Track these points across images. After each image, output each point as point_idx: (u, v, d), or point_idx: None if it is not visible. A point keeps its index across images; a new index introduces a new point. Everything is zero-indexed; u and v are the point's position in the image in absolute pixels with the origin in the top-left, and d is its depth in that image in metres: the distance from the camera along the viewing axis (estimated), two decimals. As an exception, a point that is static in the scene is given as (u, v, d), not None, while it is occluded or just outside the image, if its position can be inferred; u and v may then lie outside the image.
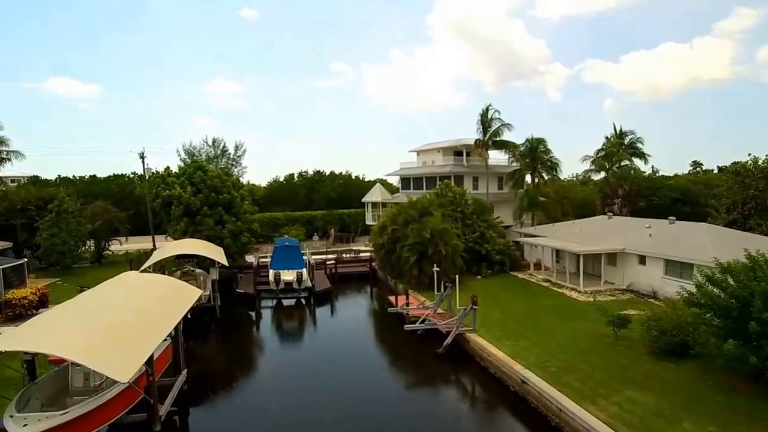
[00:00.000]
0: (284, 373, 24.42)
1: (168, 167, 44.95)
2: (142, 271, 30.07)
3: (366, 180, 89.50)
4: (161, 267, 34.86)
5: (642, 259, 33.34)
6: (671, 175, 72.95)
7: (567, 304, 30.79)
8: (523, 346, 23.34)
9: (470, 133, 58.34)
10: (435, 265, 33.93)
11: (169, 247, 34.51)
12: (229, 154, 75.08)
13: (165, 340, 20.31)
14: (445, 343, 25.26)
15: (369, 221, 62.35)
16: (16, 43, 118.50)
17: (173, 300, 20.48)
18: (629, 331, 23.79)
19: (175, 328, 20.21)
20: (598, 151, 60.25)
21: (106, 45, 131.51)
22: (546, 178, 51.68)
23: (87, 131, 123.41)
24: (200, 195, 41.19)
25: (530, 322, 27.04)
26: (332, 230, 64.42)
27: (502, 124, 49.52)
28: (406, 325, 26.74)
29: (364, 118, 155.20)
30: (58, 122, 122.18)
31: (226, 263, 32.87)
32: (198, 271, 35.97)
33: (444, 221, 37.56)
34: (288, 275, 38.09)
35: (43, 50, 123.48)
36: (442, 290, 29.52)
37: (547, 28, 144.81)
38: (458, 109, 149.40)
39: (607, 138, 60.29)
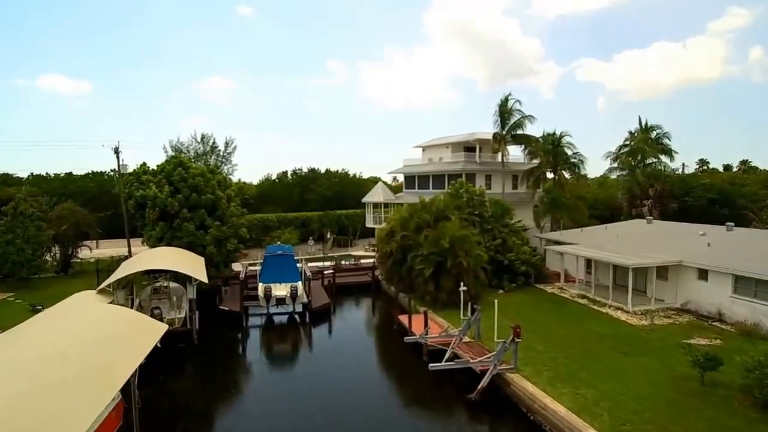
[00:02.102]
0: (276, 425, 18.89)
1: (144, 163, 39.17)
2: (99, 291, 24.47)
3: (363, 178, 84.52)
4: (129, 282, 29.16)
5: (703, 274, 28.01)
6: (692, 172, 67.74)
7: (620, 331, 25.37)
8: (588, 396, 17.87)
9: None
10: (456, 280, 28.63)
11: (136, 261, 28.89)
12: (219, 150, 70.63)
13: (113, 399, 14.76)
14: (479, 387, 19.80)
15: (369, 223, 56.72)
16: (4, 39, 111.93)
17: (126, 343, 14.92)
18: (717, 372, 18.50)
19: (128, 382, 14.81)
20: (621, 147, 55.14)
21: (97, 41, 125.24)
22: (568, 176, 46.40)
23: (77, 130, 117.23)
24: (179, 195, 35.49)
25: (585, 358, 21.61)
26: (330, 233, 58.63)
27: (523, 116, 44.14)
28: (431, 365, 21.14)
29: (359, 117, 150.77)
30: (44, 120, 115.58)
31: (205, 280, 27.14)
32: (173, 286, 30.37)
33: (462, 227, 32.14)
34: (280, 290, 32.48)
35: (33, 46, 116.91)
36: (469, 313, 23.99)
37: (542, 26, 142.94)
38: (453, 106, 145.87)
39: (630, 133, 55.22)
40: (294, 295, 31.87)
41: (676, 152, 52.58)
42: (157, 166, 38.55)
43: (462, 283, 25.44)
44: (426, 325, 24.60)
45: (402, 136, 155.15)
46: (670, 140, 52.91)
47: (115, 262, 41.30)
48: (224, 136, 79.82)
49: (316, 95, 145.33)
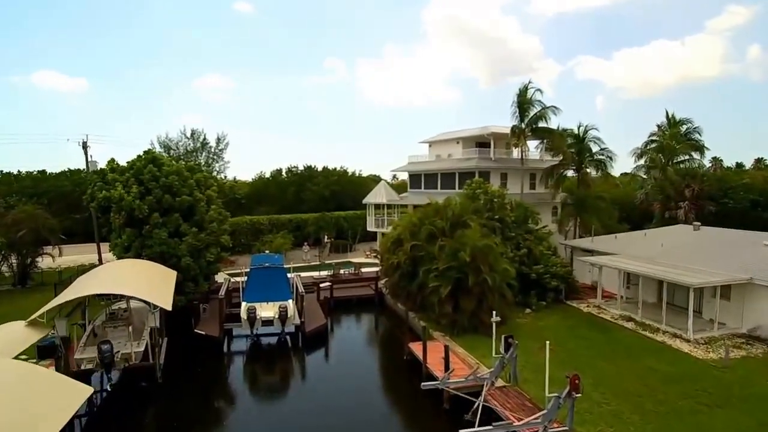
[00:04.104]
0: None
1: (112, 160, 33.85)
2: (30, 323, 19.28)
3: (363, 176, 79.68)
4: (80, 304, 23.96)
5: (779, 294, 23.03)
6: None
7: (689, 369, 20.30)
8: (687, 484, 12.83)
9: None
10: (479, 300, 23.72)
11: (85, 281, 23.52)
12: (210, 147, 66.31)
13: None
14: (525, 457, 14.74)
15: (371, 227, 51.49)
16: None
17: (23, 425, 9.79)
18: None
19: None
20: (647, 143, 49.94)
21: (95, 39, 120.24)
22: (595, 174, 41.47)
23: (73, 128, 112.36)
24: (150, 197, 30.25)
25: (658, 412, 16.59)
26: (328, 238, 53.15)
27: (544, 107, 38.91)
28: None
29: (358, 115, 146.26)
30: (38, 117, 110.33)
31: (168, 306, 21.76)
32: (136, 306, 25.04)
33: (483, 234, 27.03)
34: (267, 310, 27.36)
35: (28, 43, 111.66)
36: (502, 348, 18.76)
37: (541, 24, 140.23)
38: (452, 104, 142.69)
39: (658, 127, 50.05)
40: (283, 316, 26.68)
41: (707, 148, 47.47)
42: (127, 162, 33.29)
43: (494, 313, 20.20)
44: (447, 367, 19.32)
45: (401, 135, 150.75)
46: (701, 135, 47.78)
47: (84, 271, 36.10)
48: (216, 132, 74.95)
49: (314, 93, 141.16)
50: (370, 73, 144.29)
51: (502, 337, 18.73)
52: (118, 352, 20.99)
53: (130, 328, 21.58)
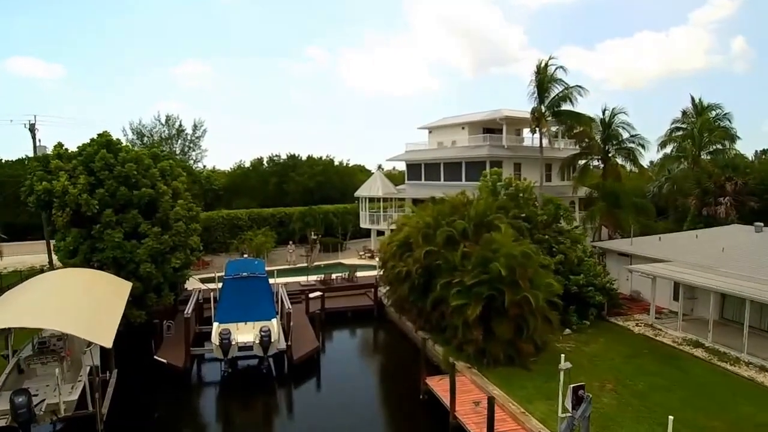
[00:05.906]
0: None
1: (60, 144, 27.88)
2: None
3: (350, 165, 74.04)
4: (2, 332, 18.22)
5: None
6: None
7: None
8: None
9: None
10: (517, 325, 18.53)
11: (4, 303, 17.62)
12: (186, 134, 61.51)
13: None
14: None
15: (365, 223, 45.92)
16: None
17: None
18: None
19: None
20: (672, 131, 45.10)
21: (67, 22, 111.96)
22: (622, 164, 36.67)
23: (39, 114, 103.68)
24: (101, 190, 24.49)
25: None
26: (316, 235, 47.06)
27: (567, 87, 33.60)
28: None
29: (341, 104, 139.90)
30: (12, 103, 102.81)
31: (106, 343, 16.01)
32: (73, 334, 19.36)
33: (515, 239, 21.73)
34: (245, 333, 21.82)
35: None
36: (568, 401, 13.51)
37: (525, 14, 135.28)
38: (437, 95, 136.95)
39: (683, 113, 45.26)
40: (266, 342, 21.04)
41: (739, 137, 42.64)
42: (78, 147, 27.36)
43: (563, 357, 14.81)
44: (490, 417, 14.00)
45: (385, 125, 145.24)
46: (731, 122, 42.87)
47: (34, 274, 30.04)
48: (193, 118, 68.53)
49: (297, 81, 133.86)
50: (353, 61, 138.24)
51: (570, 387, 13.41)
52: (43, 401, 15.43)
53: (57, 370, 15.84)
